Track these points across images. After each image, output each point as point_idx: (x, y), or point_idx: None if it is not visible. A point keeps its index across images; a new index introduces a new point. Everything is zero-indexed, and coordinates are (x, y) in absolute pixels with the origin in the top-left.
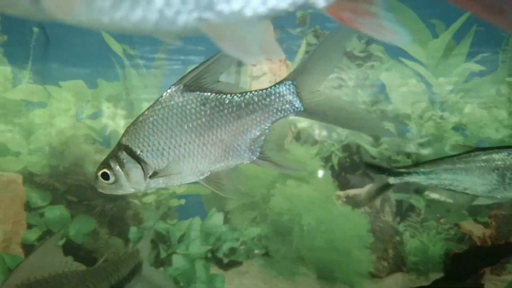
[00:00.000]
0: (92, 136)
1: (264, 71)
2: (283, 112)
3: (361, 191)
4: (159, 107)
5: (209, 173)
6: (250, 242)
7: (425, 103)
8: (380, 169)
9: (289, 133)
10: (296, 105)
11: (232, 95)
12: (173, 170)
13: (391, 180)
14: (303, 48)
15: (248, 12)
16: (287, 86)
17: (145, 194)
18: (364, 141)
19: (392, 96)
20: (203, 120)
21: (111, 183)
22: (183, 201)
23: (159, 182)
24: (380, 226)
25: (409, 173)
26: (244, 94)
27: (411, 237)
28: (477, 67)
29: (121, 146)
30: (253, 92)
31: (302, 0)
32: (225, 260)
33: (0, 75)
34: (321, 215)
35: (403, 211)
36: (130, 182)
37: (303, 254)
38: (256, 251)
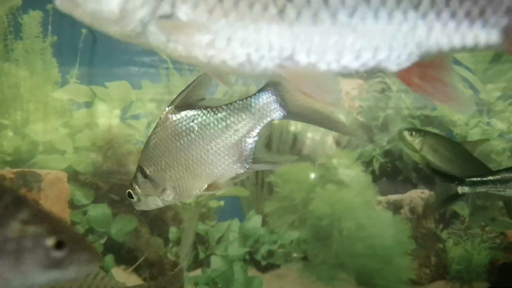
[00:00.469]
0: (135, 136)
1: None
2: (268, 117)
3: (402, 197)
4: (158, 128)
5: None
6: (289, 245)
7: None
8: (449, 177)
9: (330, 138)
10: (280, 110)
11: (218, 108)
12: (175, 186)
13: (462, 189)
14: None
15: (322, 67)
16: (270, 92)
17: None
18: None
19: (437, 102)
20: (193, 136)
21: (136, 202)
22: (222, 203)
23: (170, 198)
24: (422, 232)
25: (483, 182)
26: (229, 105)
27: (454, 244)
28: None
29: (137, 167)
30: (238, 102)
31: (374, 63)
32: (263, 263)
33: (48, 75)
34: (361, 220)
35: (446, 218)
36: (148, 199)
37: (342, 260)
38: (295, 255)
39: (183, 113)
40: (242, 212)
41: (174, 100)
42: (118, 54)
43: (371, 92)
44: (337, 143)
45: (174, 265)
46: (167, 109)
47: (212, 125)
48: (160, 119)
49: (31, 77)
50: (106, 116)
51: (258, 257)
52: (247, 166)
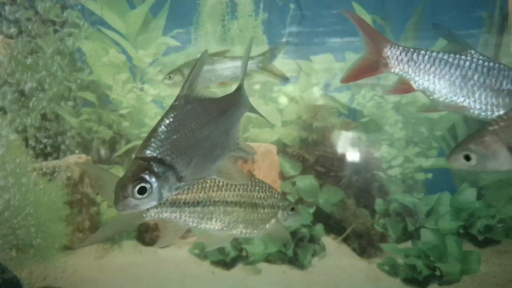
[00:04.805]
0: (338, 109)
1: None
2: (246, 109)
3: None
4: (170, 119)
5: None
6: (510, 220)
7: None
8: None
9: None
10: (248, 104)
11: (226, 98)
12: (197, 169)
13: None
14: None
15: None
16: (244, 91)
17: (390, 167)
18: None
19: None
20: (210, 123)
21: (144, 198)
22: (430, 175)
23: (184, 183)
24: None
25: None
26: (228, 97)
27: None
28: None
29: (147, 159)
30: (234, 94)
31: None
32: (480, 238)
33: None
34: None
35: None
36: (164, 190)
37: None
38: None
39: (196, 102)
40: (452, 185)
41: (181, 92)
42: (323, 26)
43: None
44: None
45: (382, 237)
46: (177, 101)
47: (222, 113)
48: (172, 107)
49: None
50: (311, 90)
51: (474, 231)
52: (236, 149)
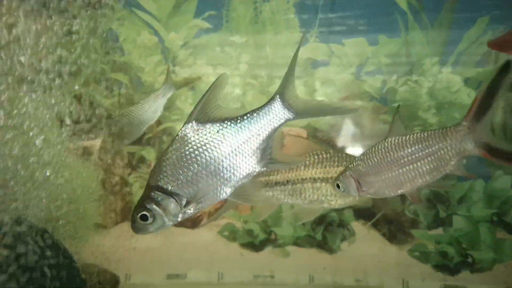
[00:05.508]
0: (370, 93)
1: None
2: (280, 121)
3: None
4: (178, 145)
5: (233, 188)
6: None
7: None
8: None
9: None
10: (289, 113)
11: (238, 118)
12: (204, 195)
13: None
14: None
15: None
16: (278, 101)
17: None
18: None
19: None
20: (221, 145)
21: (149, 223)
22: (463, 162)
23: (192, 209)
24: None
25: None
26: (248, 116)
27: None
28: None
29: (151, 188)
30: (255, 112)
31: None
32: None
33: (290, 35)
34: None
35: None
36: (168, 216)
37: None
38: None
39: (207, 125)
40: (486, 171)
41: (191, 114)
42: (355, 9)
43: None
44: None
45: (413, 223)
46: (186, 125)
47: (237, 133)
48: (177, 136)
49: (275, 37)
50: (342, 74)
51: (508, 219)
52: (265, 166)
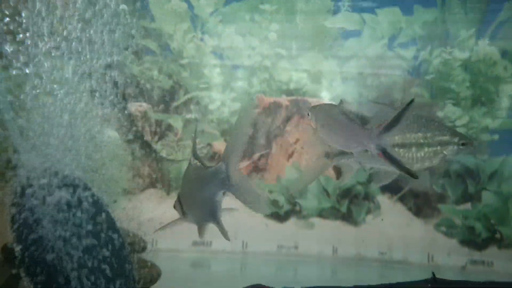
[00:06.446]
0: (402, 65)
1: None
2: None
3: None
4: (187, 178)
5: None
6: None
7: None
8: None
9: None
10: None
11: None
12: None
13: None
14: None
15: None
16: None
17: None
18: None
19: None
20: (203, 185)
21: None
22: (496, 137)
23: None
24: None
25: None
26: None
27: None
28: None
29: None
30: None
31: None
32: None
33: (322, 3)
34: None
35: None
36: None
37: None
38: None
39: (195, 165)
40: None
41: (192, 152)
42: None
43: None
44: None
45: (440, 198)
46: (191, 159)
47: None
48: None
49: (306, 5)
50: (374, 45)
51: None
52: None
